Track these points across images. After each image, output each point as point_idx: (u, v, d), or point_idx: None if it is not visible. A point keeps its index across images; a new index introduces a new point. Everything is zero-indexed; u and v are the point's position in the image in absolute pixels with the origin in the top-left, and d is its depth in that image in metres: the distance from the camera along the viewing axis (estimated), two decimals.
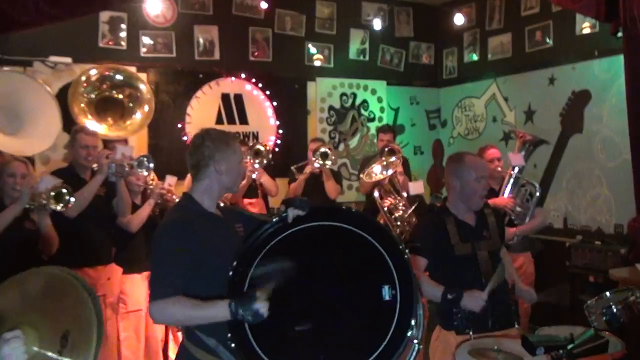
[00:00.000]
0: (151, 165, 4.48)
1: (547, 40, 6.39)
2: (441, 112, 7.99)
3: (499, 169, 4.69)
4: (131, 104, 5.59)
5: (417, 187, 5.16)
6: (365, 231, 2.24)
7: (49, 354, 1.82)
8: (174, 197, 4.68)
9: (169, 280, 2.24)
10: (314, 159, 5.48)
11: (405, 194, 5.12)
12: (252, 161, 5.31)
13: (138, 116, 5.62)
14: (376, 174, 5.26)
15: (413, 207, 4.99)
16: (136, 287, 4.59)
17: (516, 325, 3.00)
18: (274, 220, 2.35)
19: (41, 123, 4.95)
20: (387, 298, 2.12)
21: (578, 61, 6.03)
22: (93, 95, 5.41)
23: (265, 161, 5.38)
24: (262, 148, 5.39)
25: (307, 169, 5.62)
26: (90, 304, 1.90)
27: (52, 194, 3.74)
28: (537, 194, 4.56)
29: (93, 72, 5.46)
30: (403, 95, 7.73)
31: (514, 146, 4.97)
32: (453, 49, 7.74)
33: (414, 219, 4.96)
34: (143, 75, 5.96)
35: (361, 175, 5.54)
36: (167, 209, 4.61)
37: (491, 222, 3.17)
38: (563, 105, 6.18)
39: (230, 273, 2.23)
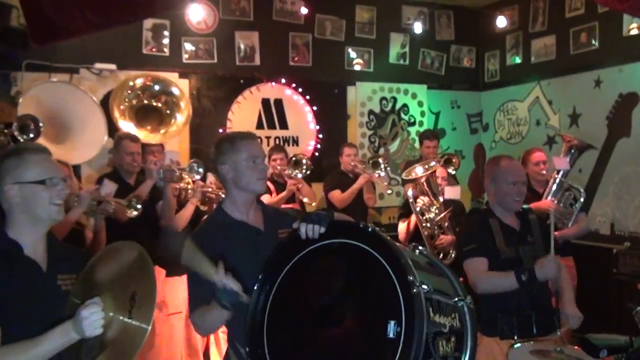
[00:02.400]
0: (201, 170, 4.59)
1: (593, 41, 6.24)
2: (483, 116, 7.88)
3: (544, 172, 4.61)
4: (168, 112, 5.69)
5: (453, 192, 5.11)
6: (380, 254, 1.97)
7: (122, 317, 1.96)
8: (220, 193, 4.72)
9: (196, 294, 2.33)
10: (363, 166, 5.50)
11: (441, 198, 5.08)
12: (290, 172, 5.35)
13: (175, 123, 5.71)
14: (417, 174, 5.21)
15: (446, 212, 4.94)
16: (176, 290, 4.65)
17: (558, 332, 2.94)
18: (287, 238, 2.28)
19: (88, 132, 5.08)
20: (390, 335, 1.82)
21: (625, 63, 5.88)
22: (134, 102, 5.53)
23: (305, 171, 5.41)
24: (302, 159, 5.43)
25: (362, 180, 5.62)
26: (151, 268, 2.06)
27: (125, 203, 3.93)
28: (582, 198, 4.47)
29: (138, 81, 5.59)
30: (444, 99, 7.66)
31: (559, 150, 4.88)
32: (495, 51, 7.63)
33: (446, 224, 4.92)
34: (185, 82, 6.05)
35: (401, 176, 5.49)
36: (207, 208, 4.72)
37: (535, 227, 3.12)
38: (610, 109, 6.03)
39: (259, 277, 2.21)
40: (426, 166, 5.16)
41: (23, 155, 2.11)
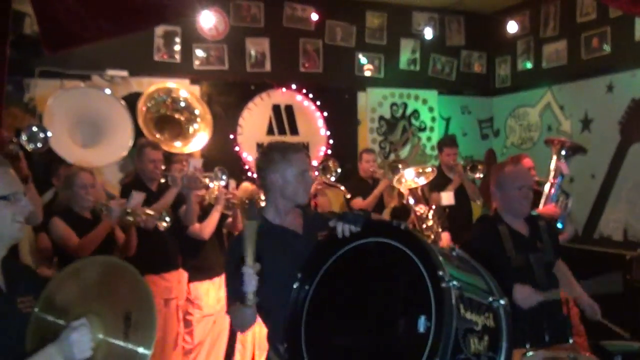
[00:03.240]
0: (224, 177, 4.63)
1: (605, 46, 6.20)
2: (494, 122, 7.85)
3: (535, 178, 4.63)
4: (188, 127, 5.75)
5: (448, 198, 5.13)
6: (413, 252, 2.04)
7: (114, 341, 1.85)
8: (245, 201, 4.80)
9: (232, 292, 2.38)
10: (382, 171, 5.54)
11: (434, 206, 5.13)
12: (320, 179, 5.44)
13: (192, 139, 5.80)
14: (407, 179, 5.23)
15: (440, 218, 4.99)
16: (207, 292, 4.73)
17: (570, 340, 2.92)
18: (324, 238, 2.37)
19: (116, 135, 5.12)
20: (421, 330, 1.87)
21: (638, 68, 5.84)
22: (160, 110, 5.60)
23: (332, 178, 5.50)
24: (331, 165, 5.55)
25: (382, 185, 5.66)
26: (144, 283, 1.94)
27: (157, 215, 4.06)
28: (569, 204, 4.48)
29: (163, 89, 5.68)
30: (454, 104, 7.64)
31: (568, 155, 4.85)
32: (506, 57, 7.60)
33: (440, 230, 4.96)
34: (196, 88, 6.08)
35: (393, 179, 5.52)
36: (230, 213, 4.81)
37: (545, 233, 3.10)
38: (622, 114, 5.98)
39: (295, 286, 2.29)
40: (419, 170, 5.22)
41: None
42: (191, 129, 5.79)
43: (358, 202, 5.71)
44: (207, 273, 4.74)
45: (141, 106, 5.50)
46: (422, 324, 1.87)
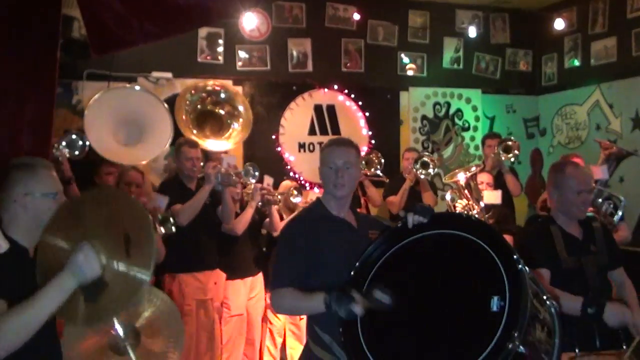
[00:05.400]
0: (256, 173, 4.69)
1: None
2: (540, 121, 7.69)
3: None
4: (229, 121, 5.76)
5: (492, 197, 5.03)
6: (481, 239, 2.15)
7: (118, 267, 1.99)
8: (276, 196, 4.81)
9: (285, 273, 2.46)
10: (414, 169, 5.46)
11: (482, 203, 5.02)
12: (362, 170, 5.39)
13: (234, 133, 5.75)
14: (458, 180, 5.21)
15: (486, 217, 4.87)
16: (238, 292, 4.73)
17: (624, 347, 2.82)
18: (396, 226, 2.41)
19: (156, 133, 5.18)
20: (494, 309, 1.99)
21: None
22: (199, 107, 5.62)
23: (379, 167, 5.60)
24: (374, 158, 5.60)
25: (408, 181, 5.60)
26: (138, 202, 2.14)
27: (160, 217, 4.01)
28: (621, 208, 4.30)
29: (200, 85, 5.69)
30: (499, 103, 7.51)
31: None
32: (553, 54, 7.43)
33: None
34: (239, 89, 6.12)
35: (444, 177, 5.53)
36: (266, 212, 4.82)
37: (599, 236, 3.00)
38: None
39: (352, 273, 2.33)
40: (467, 173, 5.17)
41: (36, 168, 2.19)
42: (233, 124, 5.76)
43: (390, 199, 5.67)
44: (239, 273, 4.73)
45: (180, 103, 5.53)
46: (495, 303, 1.98)
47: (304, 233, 2.50)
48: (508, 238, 4.97)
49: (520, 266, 2.00)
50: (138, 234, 2.01)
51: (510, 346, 1.88)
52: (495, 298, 1.99)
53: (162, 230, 3.98)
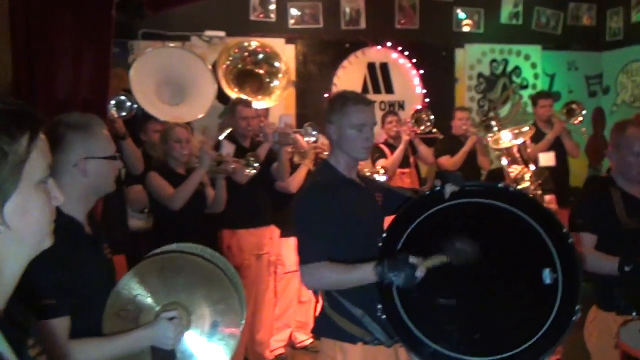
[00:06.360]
0: (315, 132, 4.65)
1: None
2: (603, 78, 7.38)
3: None
4: (268, 80, 5.75)
5: (547, 159, 4.88)
6: (523, 211, 2.07)
7: (200, 335, 1.96)
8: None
9: (317, 244, 2.27)
10: (475, 130, 5.37)
11: (532, 166, 4.87)
12: (412, 127, 5.33)
13: (274, 91, 5.75)
14: (504, 142, 5.03)
15: (539, 180, 4.73)
16: (291, 250, 4.79)
17: None
18: (431, 192, 2.27)
19: (199, 93, 5.23)
20: (548, 282, 1.96)
21: None
22: (239, 66, 5.63)
23: (425, 129, 5.39)
24: (424, 116, 5.42)
25: (470, 142, 5.49)
26: (235, 293, 2.04)
27: (244, 162, 4.07)
28: None
29: (242, 45, 5.69)
30: (560, 60, 7.24)
31: None
32: (619, 8, 7.09)
33: (539, 192, 4.73)
34: (291, 47, 6.09)
35: (489, 140, 5.32)
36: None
37: None
38: None
39: (384, 235, 2.21)
40: (516, 131, 5.00)
41: (94, 128, 1.96)
42: (273, 83, 5.74)
43: (445, 160, 5.57)
44: (293, 230, 4.76)
45: (221, 63, 5.54)
46: (547, 276, 1.97)
47: (329, 200, 2.29)
48: (550, 198, 4.92)
49: (570, 241, 2.01)
50: (225, 327, 1.98)
51: (574, 319, 1.91)
52: (547, 270, 1.97)
53: (250, 172, 4.10)
